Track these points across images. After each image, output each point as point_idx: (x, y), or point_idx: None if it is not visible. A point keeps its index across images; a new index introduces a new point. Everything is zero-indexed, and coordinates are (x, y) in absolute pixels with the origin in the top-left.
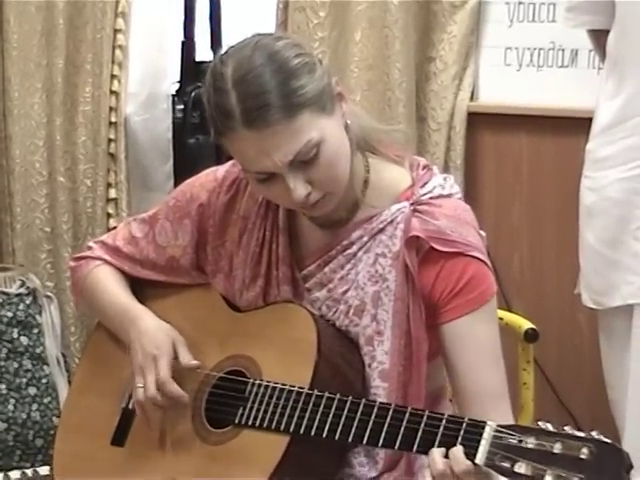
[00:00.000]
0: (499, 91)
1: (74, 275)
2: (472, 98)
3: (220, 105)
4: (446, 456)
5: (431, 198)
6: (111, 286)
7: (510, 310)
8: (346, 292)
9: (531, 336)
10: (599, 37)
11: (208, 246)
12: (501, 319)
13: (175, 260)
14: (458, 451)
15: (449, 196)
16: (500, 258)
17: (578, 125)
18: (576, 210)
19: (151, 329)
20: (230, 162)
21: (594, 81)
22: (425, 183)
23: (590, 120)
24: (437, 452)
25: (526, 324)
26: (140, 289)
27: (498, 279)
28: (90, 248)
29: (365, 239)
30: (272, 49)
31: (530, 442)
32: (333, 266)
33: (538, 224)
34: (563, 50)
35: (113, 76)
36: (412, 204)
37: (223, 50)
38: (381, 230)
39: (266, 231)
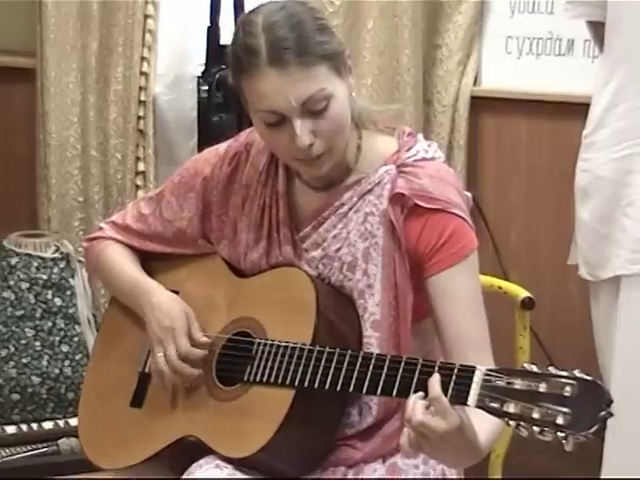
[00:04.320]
0: (500, 77)
1: (88, 255)
2: (475, 83)
3: (249, 44)
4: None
5: (415, 161)
6: (122, 263)
7: (507, 279)
8: (339, 250)
9: (528, 304)
10: (597, 28)
11: (212, 215)
12: (500, 288)
13: (182, 232)
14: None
15: (432, 159)
16: (499, 231)
17: (573, 110)
18: (569, 188)
19: (163, 302)
20: (231, 139)
21: (589, 69)
22: (410, 147)
23: (584, 105)
24: (419, 403)
25: (523, 293)
26: (150, 263)
27: (497, 251)
28: (101, 229)
29: (355, 199)
30: (302, 7)
31: (517, 383)
32: (327, 226)
33: (534, 201)
34: (560, 40)
35: (143, 58)
36: (398, 166)
37: None
38: (369, 191)
39: (266, 197)
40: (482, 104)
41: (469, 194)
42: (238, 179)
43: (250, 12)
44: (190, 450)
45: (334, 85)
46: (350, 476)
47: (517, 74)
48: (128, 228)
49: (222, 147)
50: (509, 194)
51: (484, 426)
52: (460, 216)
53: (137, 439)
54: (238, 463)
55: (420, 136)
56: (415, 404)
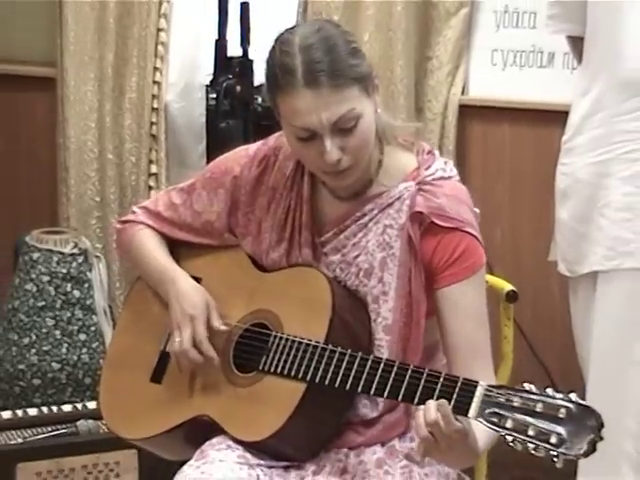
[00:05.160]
0: (486, 87)
1: (120, 237)
2: (463, 92)
3: (286, 64)
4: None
5: (434, 179)
6: (153, 249)
7: (493, 274)
8: (357, 257)
9: (512, 297)
10: (576, 43)
11: (239, 212)
12: (486, 282)
13: (210, 224)
14: (447, 404)
15: (449, 178)
16: (484, 230)
17: (553, 117)
18: (550, 190)
19: (187, 290)
20: (260, 141)
21: (568, 80)
22: (429, 166)
23: (563, 113)
24: (432, 403)
25: (507, 286)
26: (178, 249)
27: (483, 248)
28: (134, 213)
29: (375, 212)
30: (336, 30)
31: (516, 401)
32: (347, 234)
33: (517, 202)
34: (542, 52)
35: (155, 68)
36: (417, 184)
37: (252, 46)
38: (390, 205)
39: (291, 201)
40: (469, 112)
41: (477, 210)
42: (265, 181)
43: (287, 31)
44: (204, 428)
45: (363, 105)
46: (352, 457)
47: (502, 84)
48: (159, 215)
49: (252, 148)
50: (494, 195)
51: (482, 432)
52: (472, 234)
53: (155, 413)
54: (248, 445)
55: (437, 153)
56: (429, 405)
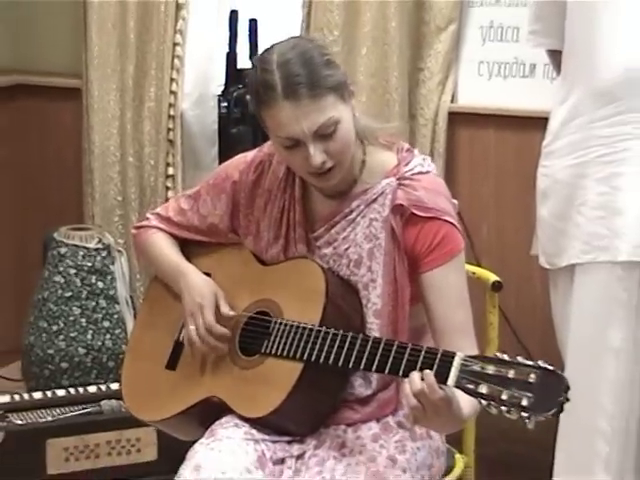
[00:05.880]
0: (474, 96)
1: (136, 240)
2: (452, 101)
3: (266, 81)
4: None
5: (413, 174)
6: (165, 249)
7: (480, 266)
8: (347, 249)
9: (497, 286)
10: (555, 56)
11: (240, 214)
12: (473, 273)
13: (214, 226)
14: (431, 374)
15: (427, 173)
16: (472, 226)
17: (534, 123)
18: (531, 190)
19: (197, 283)
20: (257, 149)
21: (548, 89)
22: (408, 162)
23: (544, 119)
24: (416, 375)
25: (493, 277)
26: (189, 248)
27: (471, 242)
28: (147, 219)
29: (362, 207)
30: (310, 45)
31: (490, 369)
32: (337, 229)
33: (502, 201)
34: (524, 64)
35: (172, 79)
36: (398, 179)
37: None
38: (374, 200)
39: (285, 201)
40: (458, 118)
41: (455, 201)
42: (262, 184)
43: (265, 50)
44: (215, 409)
45: (340, 111)
46: (349, 433)
47: (488, 93)
48: (170, 220)
49: (249, 155)
50: (481, 194)
51: (467, 402)
52: (450, 222)
53: (170, 397)
54: (253, 422)
55: (416, 151)
56: (413, 376)
